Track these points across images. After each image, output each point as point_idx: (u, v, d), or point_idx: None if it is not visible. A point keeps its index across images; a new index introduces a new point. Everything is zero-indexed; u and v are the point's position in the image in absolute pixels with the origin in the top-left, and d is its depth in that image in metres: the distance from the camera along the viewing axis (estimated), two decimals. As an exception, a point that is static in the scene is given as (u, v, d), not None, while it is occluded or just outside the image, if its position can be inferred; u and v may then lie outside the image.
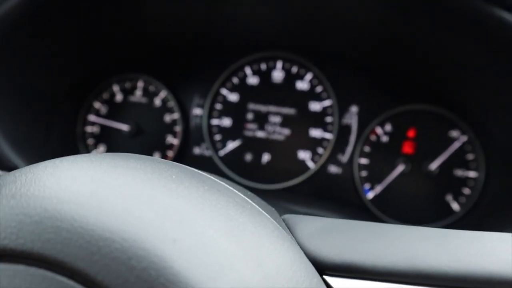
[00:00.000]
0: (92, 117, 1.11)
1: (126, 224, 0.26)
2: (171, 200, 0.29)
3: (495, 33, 0.70)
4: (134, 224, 0.26)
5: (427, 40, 0.83)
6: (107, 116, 1.11)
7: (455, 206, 0.98)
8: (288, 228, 0.42)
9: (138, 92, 1.11)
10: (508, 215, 0.85)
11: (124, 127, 1.09)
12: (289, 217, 0.45)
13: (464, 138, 0.98)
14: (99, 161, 0.33)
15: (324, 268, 0.36)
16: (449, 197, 0.98)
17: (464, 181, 0.98)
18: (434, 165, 0.97)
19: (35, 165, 0.33)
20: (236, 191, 0.38)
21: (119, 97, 1.11)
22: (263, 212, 0.37)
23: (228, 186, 0.38)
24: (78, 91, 1.08)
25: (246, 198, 0.38)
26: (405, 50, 0.90)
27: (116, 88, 1.11)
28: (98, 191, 0.28)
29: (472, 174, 0.97)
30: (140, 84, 1.11)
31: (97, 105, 1.11)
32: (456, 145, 0.98)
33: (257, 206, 0.38)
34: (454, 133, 0.99)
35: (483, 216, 0.94)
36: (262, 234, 0.31)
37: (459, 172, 0.98)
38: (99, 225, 0.26)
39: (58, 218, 0.26)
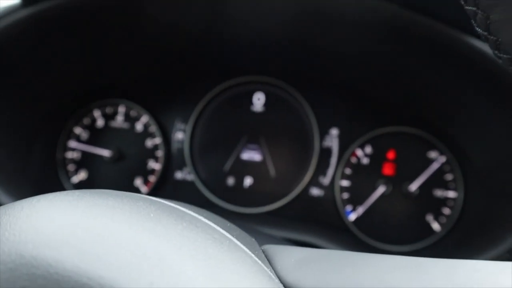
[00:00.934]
0: (72, 143, 1.10)
1: (103, 269, 0.26)
2: (148, 241, 0.29)
3: (468, 61, 0.72)
4: (112, 268, 0.26)
5: (405, 67, 0.85)
6: (88, 142, 1.10)
7: (435, 226, 0.99)
8: (268, 259, 0.42)
9: (120, 117, 1.11)
10: (489, 234, 0.87)
11: (106, 152, 1.08)
12: (269, 247, 0.45)
13: (442, 159, 1.00)
14: (77, 200, 0.33)
15: (304, 301, 0.36)
16: (429, 217, 0.99)
17: (444, 201, 0.99)
18: (414, 186, 0.99)
19: (10, 205, 0.33)
20: (215, 226, 0.38)
21: (100, 122, 1.11)
22: (242, 246, 0.38)
23: (207, 221, 0.38)
24: (58, 116, 1.07)
25: (225, 233, 0.38)
26: (385, 76, 0.92)
27: (97, 113, 1.11)
28: (75, 234, 0.28)
29: (451, 194, 0.99)
30: (122, 109, 1.11)
31: (77, 130, 1.10)
32: (435, 166, 1.00)
33: (236, 240, 0.38)
34: (433, 154, 1.01)
35: (464, 235, 0.95)
36: (241, 271, 0.32)
37: (439, 192, 1.00)
38: (76, 271, 0.26)
39: (33, 264, 0.26)
